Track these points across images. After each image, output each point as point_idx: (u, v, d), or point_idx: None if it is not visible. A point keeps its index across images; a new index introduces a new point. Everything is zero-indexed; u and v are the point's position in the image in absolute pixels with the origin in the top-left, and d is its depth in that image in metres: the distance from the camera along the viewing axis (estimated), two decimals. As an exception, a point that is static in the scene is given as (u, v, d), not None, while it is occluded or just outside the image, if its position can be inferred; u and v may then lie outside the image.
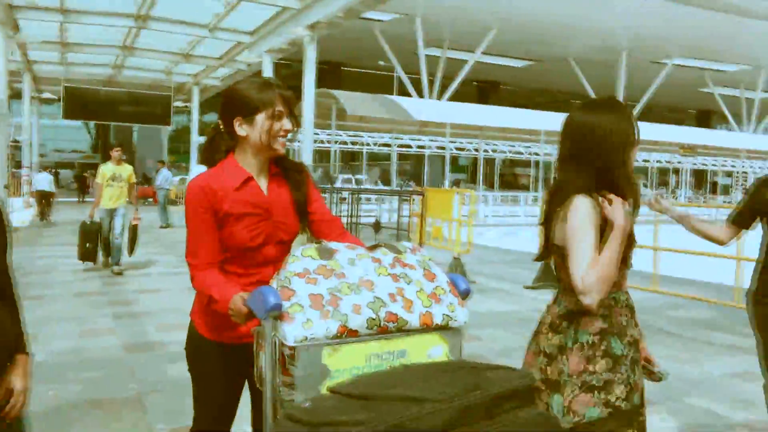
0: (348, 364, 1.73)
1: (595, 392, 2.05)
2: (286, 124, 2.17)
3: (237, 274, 2.16)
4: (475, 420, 1.50)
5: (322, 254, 1.86)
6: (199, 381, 2.28)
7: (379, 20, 26.23)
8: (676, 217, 3.24)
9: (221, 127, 2.23)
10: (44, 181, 20.82)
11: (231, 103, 2.18)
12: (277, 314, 1.73)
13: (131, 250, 10.26)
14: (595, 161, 2.13)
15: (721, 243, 3.31)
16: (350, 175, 29.20)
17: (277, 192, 2.24)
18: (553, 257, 2.22)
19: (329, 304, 1.74)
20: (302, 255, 1.85)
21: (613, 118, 2.14)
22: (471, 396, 1.51)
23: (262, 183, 2.23)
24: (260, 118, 2.14)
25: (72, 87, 25.77)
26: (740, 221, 3.28)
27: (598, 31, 27.20)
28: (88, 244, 9.66)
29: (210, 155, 2.26)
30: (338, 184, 20.88)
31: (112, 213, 9.84)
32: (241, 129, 2.16)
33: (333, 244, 1.93)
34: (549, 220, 2.19)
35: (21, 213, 20.87)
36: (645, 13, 24.19)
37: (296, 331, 1.69)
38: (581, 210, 2.07)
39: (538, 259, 2.36)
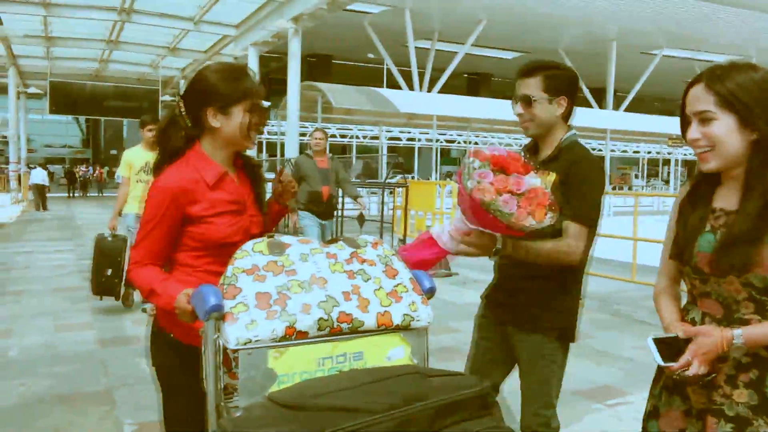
0: (297, 368, 1.61)
1: None
2: (260, 117, 2.07)
3: (214, 272, 2.02)
4: (414, 434, 1.38)
5: (273, 249, 1.74)
6: (168, 387, 2.16)
7: (367, 12, 26.12)
8: None
9: (181, 110, 2.07)
10: (40, 176, 23.82)
11: (204, 91, 2.03)
12: (218, 315, 1.61)
13: None
14: None
15: None
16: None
17: (246, 185, 2.16)
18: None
19: (276, 304, 1.62)
20: (252, 250, 1.73)
21: None
22: (411, 407, 1.39)
23: (233, 176, 2.13)
24: (237, 110, 2.02)
25: (58, 81, 25.51)
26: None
27: (588, 22, 27.13)
28: (109, 271, 6.56)
29: (166, 141, 2.09)
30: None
31: None
32: (214, 120, 2.02)
33: (286, 238, 1.80)
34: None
35: (8, 209, 20.75)
36: (634, 3, 24.14)
37: (239, 333, 1.57)
38: None
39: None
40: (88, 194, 35.03)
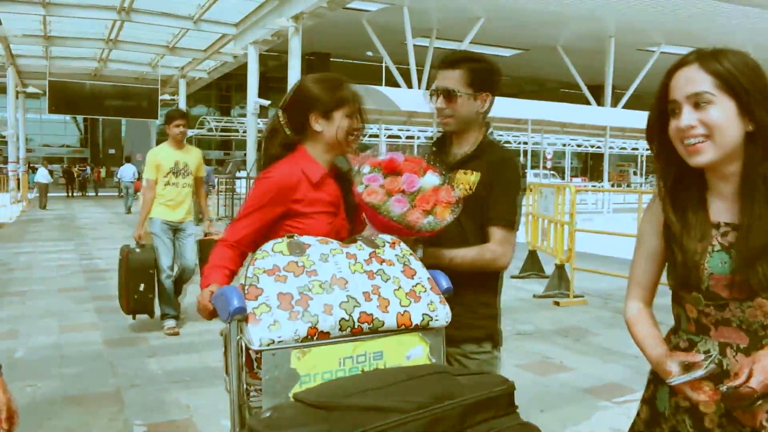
0: (319, 368, 1.63)
1: None
2: (359, 122, 2.21)
3: None
4: (445, 432, 1.40)
5: (293, 249, 1.76)
6: None
7: (366, 10, 26.09)
8: None
9: (281, 120, 2.20)
10: (43, 175, 24.72)
11: (306, 98, 2.17)
12: (242, 317, 1.63)
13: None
14: None
15: None
16: None
17: (338, 190, 2.24)
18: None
19: (298, 305, 1.64)
20: (272, 251, 1.75)
21: None
22: (441, 406, 1.40)
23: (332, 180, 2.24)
24: (338, 115, 2.14)
25: (57, 81, 25.39)
26: None
27: (586, 19, 27.12)
28: (142, 286, 5.85)
29: (267, 149, 2.23)
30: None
31: (175, 230, 6.07)
32: (317, 125, 2.15)
33: (305, 239, 1.83)
34: None
35: (8, 209, 20.71)
36: (632, 0, 24.17)
37: (262, 334, 1.59)
38: None
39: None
40: (87, 194, 35.06)
